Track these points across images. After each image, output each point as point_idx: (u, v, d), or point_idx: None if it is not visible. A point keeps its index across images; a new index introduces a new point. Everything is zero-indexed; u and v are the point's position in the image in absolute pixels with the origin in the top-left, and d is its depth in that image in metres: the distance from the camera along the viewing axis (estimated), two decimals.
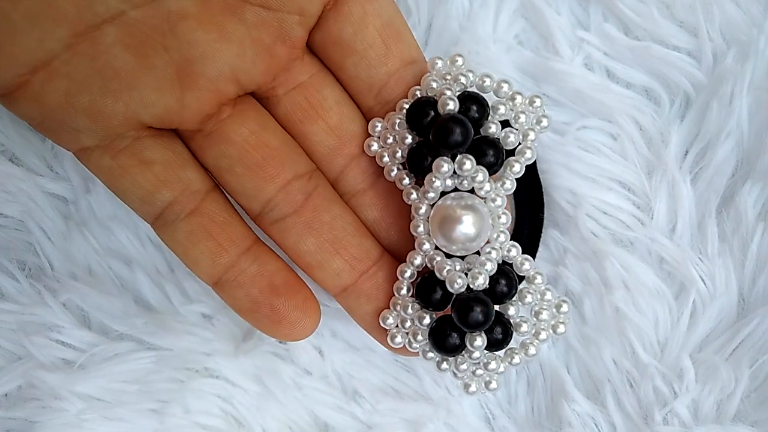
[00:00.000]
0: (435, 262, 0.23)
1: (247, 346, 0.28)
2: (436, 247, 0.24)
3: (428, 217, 0.23)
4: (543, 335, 0.24)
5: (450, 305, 0.23)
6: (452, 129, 0.22)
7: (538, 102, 0.24)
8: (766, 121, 0.27)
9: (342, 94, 0.24)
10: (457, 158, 0.23)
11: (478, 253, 0.23)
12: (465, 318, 0.22)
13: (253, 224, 0.25)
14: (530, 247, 0.26)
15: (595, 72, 0.28)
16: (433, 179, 0.23)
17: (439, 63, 0.24)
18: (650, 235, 0.28)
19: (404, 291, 0.24)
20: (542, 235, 0.27)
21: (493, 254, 0.23)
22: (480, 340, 0.23)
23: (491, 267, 0.23)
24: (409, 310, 0.24)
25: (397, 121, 0.24)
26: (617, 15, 0.28)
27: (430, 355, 0.24)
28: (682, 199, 0.27)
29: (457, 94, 0.23)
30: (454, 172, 0.23)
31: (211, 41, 0.22)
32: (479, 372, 0.24)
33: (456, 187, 0.23)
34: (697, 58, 0.28)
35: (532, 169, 0.26)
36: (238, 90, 0.23)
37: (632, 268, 0.27)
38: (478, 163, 0.23)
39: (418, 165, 0.23)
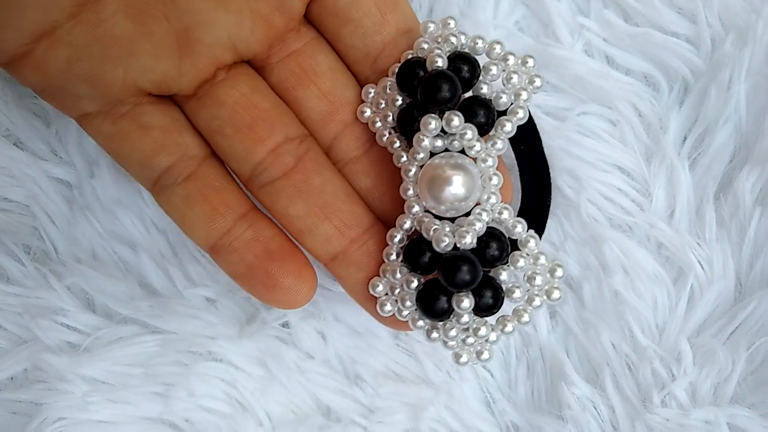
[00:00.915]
0: (423, 223, 0.23)
1: (250, 329, 0.28)
2: (426, 210, 0.23)
3: (418, 179, 0.23)
4: (537, 301, 0.23)
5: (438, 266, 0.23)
6: (440, 85, 0.22)
7: (530, 62, 0.23)
8: (764, 107, 0.27)
9: (336, 60, 0.24)
10: (445, 115, 0.22)
11: (468, 215, 0.23)
12: (451, 277, 0.22)
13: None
14: (537, 223, 0.25)
15: (595, 58, 0.29)
16: (421, 138, 0.22)
17: (432, 26, 0.23)
18: (649, 220, 0.28)
19: (393, 256, 0.24)
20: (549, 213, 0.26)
21: (484, 215, 0.23)
22: (467, 302, 0.22)
23: (480, 227, 0.22)
24: (398, 275, 0.23)
25: (388, 83, 0.24)
26: (617, 1, 0.28)
27: (420, 323, 0.23)
28: (680, 184, 0.28)
29: (448, 54, 0.23)
30: (443, 131, 0.22)
31: (209, 9, 0.22)
32: (470, 340, 0.23)
33: (446, 148, 0.23)
34: (696, 44, 0.28)
35: (537, 144, 0.25)
36: (235, 57, 0.23)
37: (631, 252, 0.28)
38: (468, 123, 0.22)
39: (408, 126, 0.23)
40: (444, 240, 0.22)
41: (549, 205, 0.25)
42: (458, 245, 0.22)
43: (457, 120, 0.22)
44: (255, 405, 0.28)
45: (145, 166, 0.23)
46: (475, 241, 0.22)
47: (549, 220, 0.28)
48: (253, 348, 0.28)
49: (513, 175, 0.26)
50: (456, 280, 0.22)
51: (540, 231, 0.25)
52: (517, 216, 0.24)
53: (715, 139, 0.27)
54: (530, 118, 0.24)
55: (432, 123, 0.22)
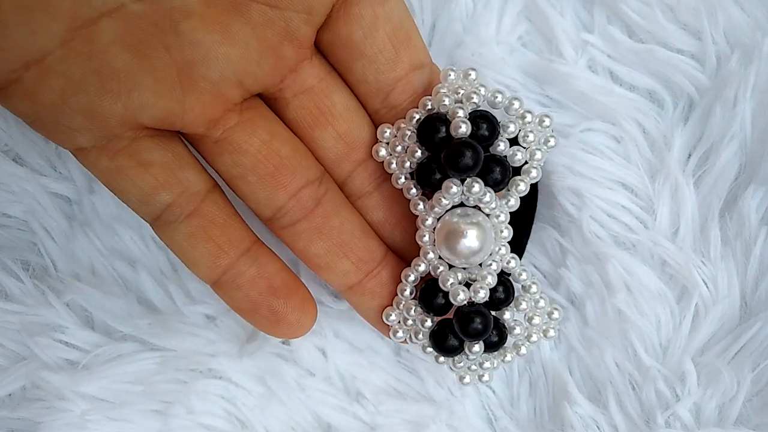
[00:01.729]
0: (439, 272, 0.24)
1: (250, 348, 0.28)
2: (440, 257, 0.25)
3: (434, 229, 0.24)
4: (534, 337, 0.25)
5: (452, 313, 0.25)
6: (464, 153, 0.23)
7: (547, 121, 0.24)
8: None
9: (351, 99, 0.24)
10: (467, 182, 0.23)
11: (480, 264, 0.24)
12: (466, 329, 0.24)
13: (254, 221, 0.25)
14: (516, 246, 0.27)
15: (599, 74, 0.28)
16: (442, 198, 0.23)
17: (452, 75, 0.24)
18: (653, 238, 0.28)
19: (407, 293, 0.25)
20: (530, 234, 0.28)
21: (494, 266, 0.24)
22: (478, 347, 0.25)
23: (492, 280, 0.24)
24: (412, 312, 0.25)
25: (408, 133, 0.24)
26: (621, 17, 0.28)
27: (430, 350, 0.25)
28: (685, 202, 0.27)
29: (469, 112, 0.23)
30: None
31: (214, 43, 0.21)
32: (474, 368, 0.25)
33: (462, 202, 0.24)
34: (701, 62, 0.28)
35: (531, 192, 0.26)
36: (243, 93, 0.23)
37: (634, 270, 0.27)
38: (484, 180, 0.23)
39: (427, 180, 0.24)
40: (461, 295, 0.24)
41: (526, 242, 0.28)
42: (473, 299, 0.24)
43: (478, 187, 0.23)
44: (255, 422, 0.28)
45: (146, 203, 0.23)
46: (488, 296, 0.24)
47: (552, 236, 0.28)
48: (252, 365, 0.28)
49: None
50: (470, 331, 0.24)
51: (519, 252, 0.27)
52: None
53: (720, 157, 0.27)
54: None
55: (454, 188, 0.23)
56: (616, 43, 0.28)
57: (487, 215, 0.24)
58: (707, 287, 0.27)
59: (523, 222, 0.27)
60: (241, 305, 0.24)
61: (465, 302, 0.24)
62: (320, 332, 0.29)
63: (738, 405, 0.26)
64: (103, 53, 0.20)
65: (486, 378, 0.26)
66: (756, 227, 0.27)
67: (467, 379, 0.25)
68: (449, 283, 0.24)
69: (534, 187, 0.26)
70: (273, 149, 0.23)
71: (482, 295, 0.24)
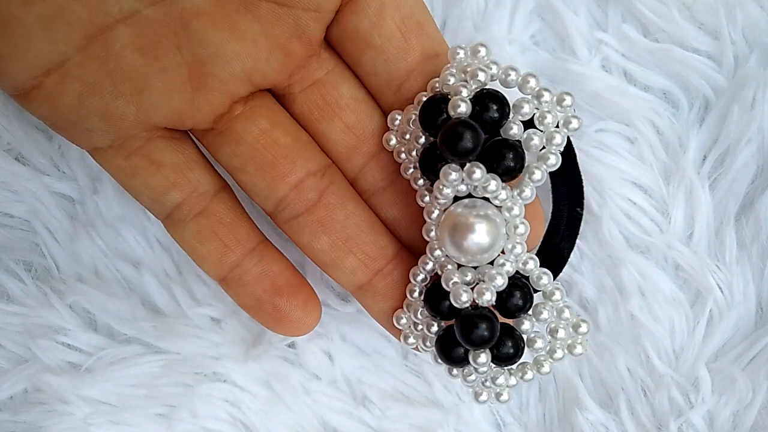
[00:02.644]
0: (445, 270, 0.22)
1: (256, 351, 0.28)
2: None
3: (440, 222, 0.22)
4: (558, 353, 0.23)
5: (455, 320, 0.22)
6: (460, 134, 0.20)
7: (568, 100, 0.21)
8: None
9: (360, 90, 0.24)
10: (466, 167, 0.21)
11: (492, 262, 0.22)
12: (468, 335, 0.21)
13: (263, 220, 0.25)
14: (568, 246, 0.25)
15: (613, 74, 0.28)
16: (441, 187, 0.21)
17: (461, 53, 0.22)
18: (667, 241, 0.27)
19: (416, 294, 0.23)
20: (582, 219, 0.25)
21: (507, 267, 0.22)
22: (484, 357, 0.22)
23: (501, 282, 0.21)
24: (419, 315, 0.23)
25: (413, 116, 0.22)
26: (636, 16, 0.28)
27: (440, 360, 0.23)
28: (699, 205, 0.27)
29: (476, 91, 0.21)
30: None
31: (223, 41, 0.21)
32: (488, 384, 0.23)
33: (470, 193, 0.22)
34: (718, 62, 0.27)
35: (572, 161, 0.24)
36: (251, 89, 0.23)
37: (648, 275, 0.27)
38: (495, 168, 0.21)
39: (431, 167, 0.22)
40: (462, 295, 0.21)
41: (581, 215, 0.24)
42: (478, 302, 0.21)
43: (479, 173, 0.21)
44: (260, 426, 0.28)
45: (157, 202, 0.23)
46: (494, 298, 0.21)
47: None
48: (258, 369, 0.28)
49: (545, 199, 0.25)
50: (473, 338, 0.21)
51: (567, 254, 0.24)
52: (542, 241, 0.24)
53: (736, 159, 0.27)
54: (568, 142, 0.22)
55: (453, 174, 0.21)
56: (630, 42, 0.27)
57: (498, 208, 0.22)
58: (722, 292, 0.27)
59: (567, 227, 0.24)
60: (246, 302, 0.24)
61: (468, 305, 0.21)
62: (326, 335, 0.28)
63: (753, 413, 0.26)
64: (117, 57, 0.21)
65: (504, 397, 0.23)
66: None
67: (484, 397, 0.23)
68: (452, 283, 0.22)
69: (578, 183, 0.24)
70: (272, 138, 0.23)
71: (487, 298, 0.21)
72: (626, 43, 0.28)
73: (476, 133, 0.21)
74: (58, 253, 0.28)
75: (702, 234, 0.27)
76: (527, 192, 0.22)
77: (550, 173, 0.22)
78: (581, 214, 0.24)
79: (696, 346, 0.27)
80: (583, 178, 0.24)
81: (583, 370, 0.28)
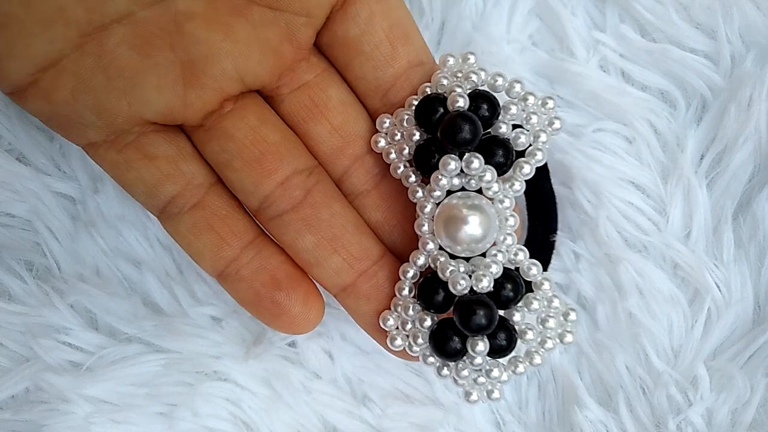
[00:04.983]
0: (438, 262, 0.23)
1: (256, 350, 0.28)
2: (440, 248, 0.23)
3: (433, 216, 0.23)
4: (549, 344, 0.23)
5: (452, 308, 0.22)
6: (461, 126, 0.22)
7: (550, 103, 0.23)
8: None
9: (348, 93, 0.24)
10: (465, 156, 0.22)
11: (483, 255, 0.23)
12: (467, 321, 0.22)
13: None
14: (543, 257, 0.25)
15: (611, 74, 0.28)
16: (440, 177, 0.22)
17: (451, 60, 0.23)
18: (665, 240, 0.27)
19: (406, 291, 0.23)
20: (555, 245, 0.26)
21: (499, 257, 0.22)
22: (482, 345, 0.22)
23: (496, 270, 0.22)
24: (410, 312, 0.23)
25: (406, 117, 0.23)
26: (634, 16, 0.28)
27: (431, 359, 0.23)
28: (697, 204, 0.27)
29: (468, 92, 0.23)
30: (462, 170, 0.22)
31: (216, 41, 0.22)
32: (481, 380, 0.23)
33: (463, 187, 0.23)
34: (715, 61, 0.28)
35: (544, 175, 0.25)
36: (242, 89, 0.23)
37: (646, 273, 0.27)
38: (486, 163, 0.22)
39: (426, 162, 0.23)
40: (461, 283, 0.22)
41: (554, 242, 0.25)
42: (475, 288, 0.22)
43: (477, 162, 0.22)
44: (260, 425, 0.28)
45: (151, 195, 0.23)
46: (492, 284, 0.22)
47: (562, 240, 0.28)
48: (258, 367, 0.28)
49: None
50: (472, 324, 0.22)
51: (545, 264, 0.25)
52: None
53: (734, 159, 0.27)
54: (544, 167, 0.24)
55: (452, 164, 0.22)
56: (628, 42, 0.28)
57: (491, 200, 0.23)
58: (720, 290, 0.27)
59: (545, 233, 0.25)
60: (244, 297, 0.24)
61: (466, 291, 0.22)
62: (327, 334, 0.28)
63: (751, 410, 0.26)
64: (111, 54, 0.21)
65: (496, 395, 0.23)
66: None
67: (474, 396, 0.23)
68: (449, 271, 0.22)
69: (552, 196, 0.25)
70: (260, 135, 0.23)
71: (485, 284, 0.22)
72: (624, 43, 0.28)
73: (475, 125, 0.22)
74: (60, 252, 0.28)
75: (700, 233, 0.27)
76: (517, 185, 0.23)
77: (527, 197, 0.24)
78: (554, 241, 0.25)
79: (694, 345, 0.27)
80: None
81: (582, 368, 0.28)
